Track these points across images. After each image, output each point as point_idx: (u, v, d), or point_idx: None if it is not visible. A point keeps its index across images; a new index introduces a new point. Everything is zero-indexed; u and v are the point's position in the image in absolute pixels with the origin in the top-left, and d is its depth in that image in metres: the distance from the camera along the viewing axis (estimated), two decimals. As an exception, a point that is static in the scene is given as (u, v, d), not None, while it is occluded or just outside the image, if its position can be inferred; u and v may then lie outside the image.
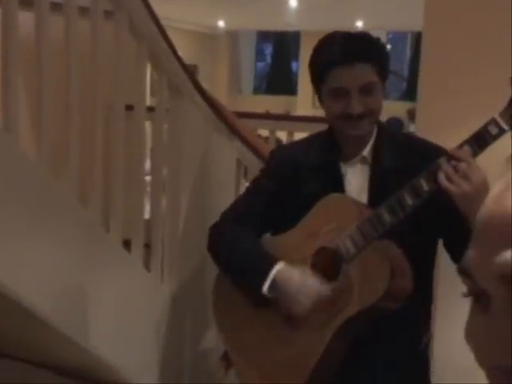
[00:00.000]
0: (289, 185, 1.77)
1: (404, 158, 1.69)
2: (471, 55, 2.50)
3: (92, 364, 2.46)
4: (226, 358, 1.82)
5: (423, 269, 1.72)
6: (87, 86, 2.36)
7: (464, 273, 0.52)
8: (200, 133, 2.82)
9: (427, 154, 1.63)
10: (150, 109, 2.82)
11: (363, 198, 1.71)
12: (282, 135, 3.65)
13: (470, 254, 0.51)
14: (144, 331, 2.63)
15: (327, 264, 1.65)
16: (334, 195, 1.69)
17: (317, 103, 1.89)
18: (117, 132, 2.51)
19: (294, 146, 1.95)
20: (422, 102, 2.66)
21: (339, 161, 1.74)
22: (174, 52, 2.61)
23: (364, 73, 1.63)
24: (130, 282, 2.56)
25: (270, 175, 1.84)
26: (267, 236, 1.88)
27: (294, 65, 14.90)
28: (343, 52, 1.63)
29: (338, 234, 1.63)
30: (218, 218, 1.90)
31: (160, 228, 2.75)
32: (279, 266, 1.67)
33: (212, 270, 2.80)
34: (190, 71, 2.71)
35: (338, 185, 1.72)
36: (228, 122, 2.77)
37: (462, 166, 1.49)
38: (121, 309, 2.49)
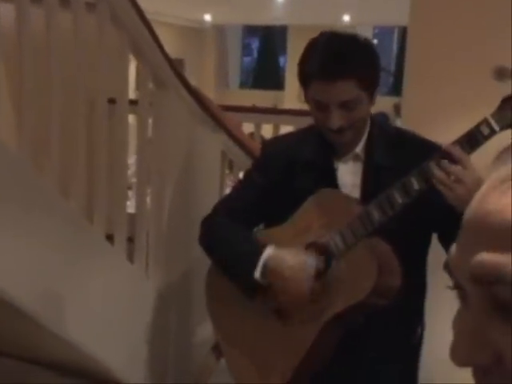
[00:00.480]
0: (281, 179, 1.75)
1: (398, 155, 1.67)
2: (456, 50, 2.49)
3: (79, 359, 2.45)
4: (217, 348, 1.84)
5: (417, 263, 1.71)
6: (69, 79, 2.34)
7: (447, 269, 0.53)
8: (185, 126, 2.80)
9: (421, 151, 1.60)
10: (134, 102, 2.79)
11: (355, 194, 1.70)
12: (268, 130, 3.63)
13: (453, 251, 0.52)
14: (129, 324, 2.62)
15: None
16: (326, 190, 1.68)
17: (303, 97, 1.85)
18: (99, 125, 2.48)
19: (287, 139, 1.91)
20: (407, 96, 2.66)
21: (332, 156, 1.73)
22: (158, 43, 2.58)
23: (345, 90, 1.58)
24: (114, 275, 2.55)
25: (262, 169, 1.82)
26: (260, 229, 1.87)
27: (281, 59, 14.88)
28: (323, 69, 1.57)
29: (328, 230, 1.62)
30: (210, 211, 1.88)
31: (145, 221, 2.74)
32: (269, 250, 1.65)
33: (198, 264, 2.79)
34: (174, 63, 2.69)
35: (330, 180, 1.71)
36: (213, 114, 2.76)
37: (455, 169, 1.47)
38: (105, 302, 2.48)
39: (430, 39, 2.56)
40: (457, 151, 1.48)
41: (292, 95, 11.25)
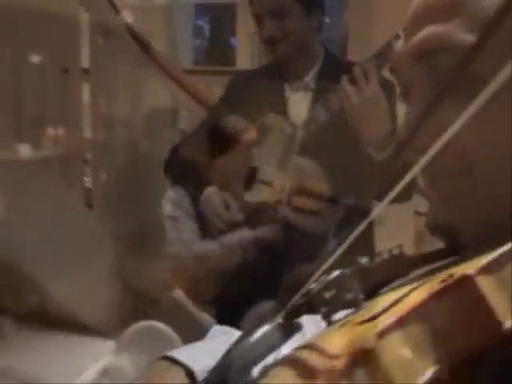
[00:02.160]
0: (241, 110, 1.77)
1: None
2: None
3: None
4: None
5: None
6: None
7: (393, 70, 0.52)
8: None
9: None
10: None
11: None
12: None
13: (398, 48, 0.49)
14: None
15: None
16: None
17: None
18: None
19: (249, 73, 1.95)
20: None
21: (284, 83, 1.74)
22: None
23: None
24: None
25: (225, 102, 1.85)
26: None
27: (232, 40, 14.79)
28: None
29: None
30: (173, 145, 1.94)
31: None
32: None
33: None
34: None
35: (282, 110, 1.73)
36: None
37: (346, 87, 1.50)
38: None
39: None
40: (356, 71, 1.50)
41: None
